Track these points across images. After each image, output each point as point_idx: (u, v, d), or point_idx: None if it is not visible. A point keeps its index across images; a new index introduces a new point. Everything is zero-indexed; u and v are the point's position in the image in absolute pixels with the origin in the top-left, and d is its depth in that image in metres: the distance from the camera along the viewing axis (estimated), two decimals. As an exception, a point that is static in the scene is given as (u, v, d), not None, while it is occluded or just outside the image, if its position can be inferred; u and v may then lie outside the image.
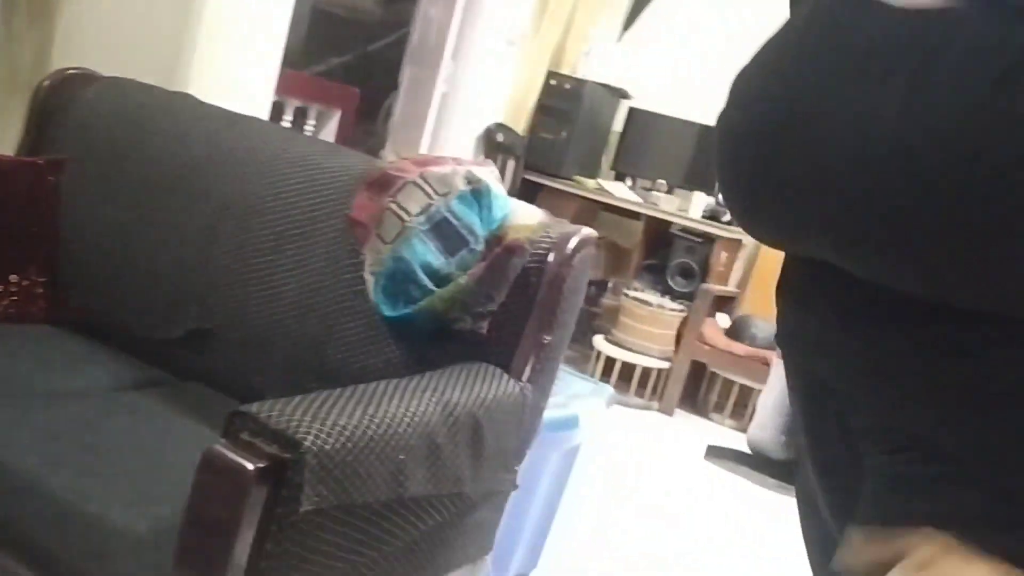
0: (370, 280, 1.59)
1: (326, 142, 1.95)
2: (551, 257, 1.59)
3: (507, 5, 4.01)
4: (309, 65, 6.95)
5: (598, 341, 4.16)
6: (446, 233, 1.58)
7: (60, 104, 2.06)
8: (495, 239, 1.59)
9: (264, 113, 2.71)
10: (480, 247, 1.58)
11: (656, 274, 4.44)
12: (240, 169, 1.83)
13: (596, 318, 4.57)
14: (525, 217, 1.63)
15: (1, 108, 2.56)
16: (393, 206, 1.61)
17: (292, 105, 4.99)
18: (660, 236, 4.41)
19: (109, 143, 1.97)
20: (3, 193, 1.91)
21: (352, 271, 1.64)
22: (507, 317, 1.57)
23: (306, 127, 5.22)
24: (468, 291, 1.53)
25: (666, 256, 4.40)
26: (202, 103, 2.07)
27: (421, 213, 1.59)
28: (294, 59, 6.71)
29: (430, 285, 1.55)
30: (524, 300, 1.57)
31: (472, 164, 1.72)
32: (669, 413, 4.07)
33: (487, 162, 1.80)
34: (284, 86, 4.52)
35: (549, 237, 1.61)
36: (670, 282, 4.32)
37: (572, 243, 1.60)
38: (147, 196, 1.89)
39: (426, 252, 1.56)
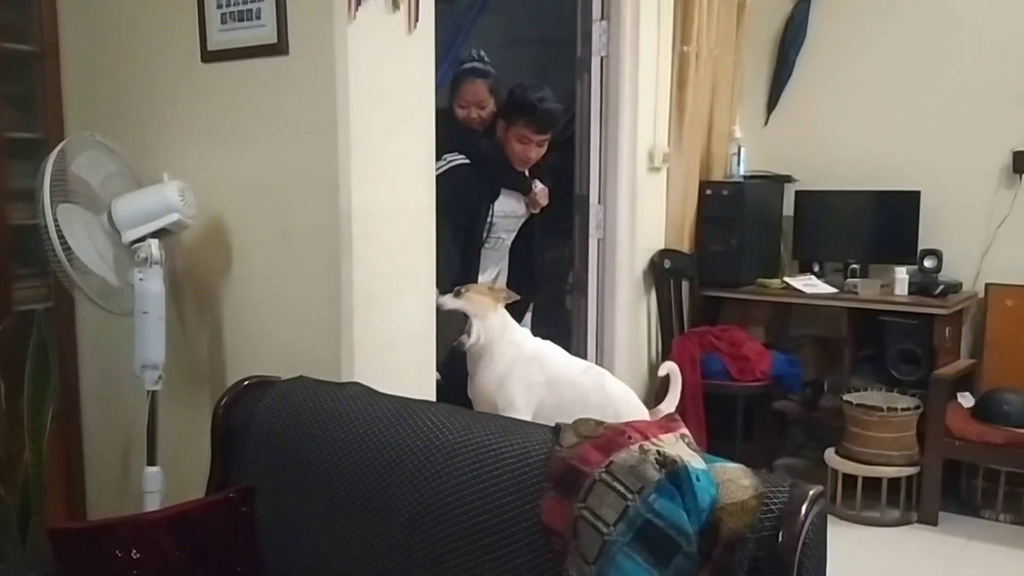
0: (582, 604, 1.43)
1: (497, 418, 1.83)
2: (781, 538, 1.37)
3: (643, 133, 3.86)
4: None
5: (830, 457, 3.79)
6: (653, 540, 1.39)
7: (240, 423, 2.07)
8: (710, 532, 1.39)
9: (431, 293, 2.68)
10: (694, 548, 1.38)
11: (875, 364, 4.02)
12: (421, 475, 1.74)
13: (817, 424, 4.20)
14: (736, 491, 1.42)
15: (191, 400, 2.66)
16: (587, 514, 1.45)
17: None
18: (869, 323, 4.01)
19: (291, 462, 1.94)
20: (204, 539, 1.91)
21: (560, 588, 1.49)
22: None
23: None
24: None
25: (881, 343, 3.99)
26: (371, 394, 2.02)
27: (620, 520, 1.41)
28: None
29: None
30: (761, 601, 1.35)
31: (659, 432, 1.53)
32: (933, 523, 3.62)
33: (675, 421, 1.61)
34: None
35: (771, 512, 1.39)
36: (893, 372, 3.90)
37: (801, 515, 1.37)
38: (337, 517, 1.83)
39: (637, 570, 1.38)
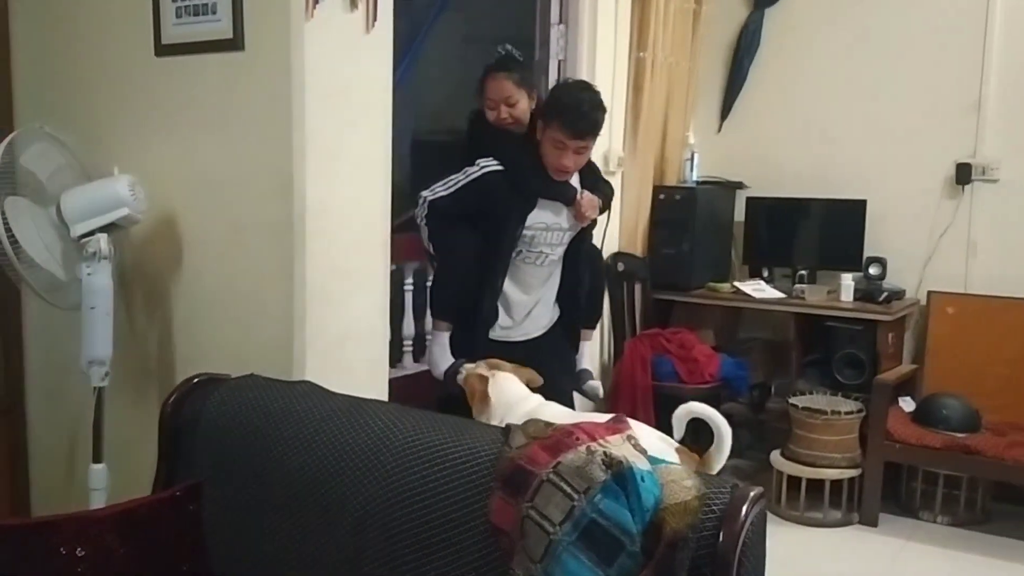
0: (527, 603, 1.45)
1: (447, 418, 1.84)
2: (721, 538, 1.40)
3: (599, 137, 3.88)
4: (418, 201, 7.08)
5: (775, 459, 3.87)
6: (598, 539, 1.42)
7: (188, 420, 2.05)
8: (653, 532, 1.42)
9: (386, 296, 2.69)
10: (638, 548, 1.41)
11: (820, 368, 4.11)
12: (371, 474, 1.75)
13: (764, 426, 4.28)
14: (679, 492, 1.45)
15: (139, 397, 2.63)
16: (533, 514, 1.47)
17: (411, 268, 5.05)
18: (815, 328, 4.10)
19: (239, 460, 1.93)
20: (150, 537, 1.90)
21: (506, 587, 1.51)
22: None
23: (428, 283, 5.25)
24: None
25: (827, 347, 4.08)
26: (322, 392, 2.02)
27: (565, 520, 1.44)
28: (405, 197, 6.87)
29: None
30: (701, 599, 1.38)
31: (606, 433, 1.56)
32: (873, 524, 3.71)
33: (622, 422, 1.65)
34: (400, 253, 4.58)
35: (712, 513, 1.43)
36: (837, 376, 3.99)
37: (741, 515, 1.41)
38: (286, 515, 1.83)
39: (581, 569, 1.40)
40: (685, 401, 3.89)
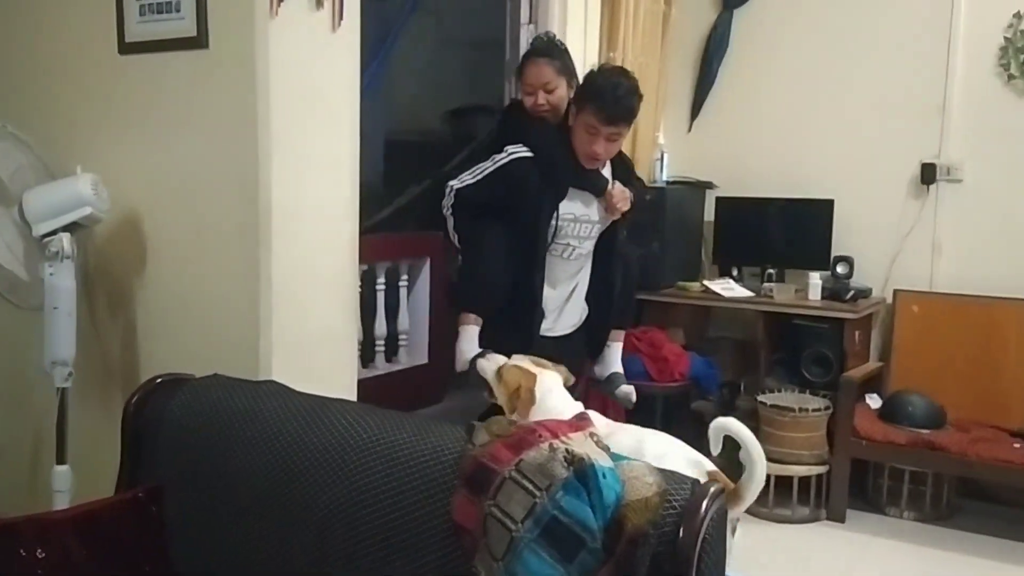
0: (490, 600, 1.45)
1: (411, 417, 1.84)
2: (681, 534, 1.41)
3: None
4: (392, 199, 7.06)
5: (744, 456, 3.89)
6: (559, 536, 1.42)
7: (151, 421, 2.03)
8: (614, 529, 1.42)
9: (354, 297, 2.66)
10: (599, 544, 1.42)
11: (789, 366, 4.15)
12: (335, 474, 1.74)
13: (735, 424, 4.30)
14: (641, 488, 1.46)
15: (102, 398, 2.60)
16: (495, 511, 1.47)
17: (383, 268, 5.04)
18: (784, 326, 4.14)
19: (202, 461, 1.92)
20: (111, 539, 1.88)
21: (469, 586, 1.51)
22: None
23: (400, 283, 5.25)
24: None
25: (795, 346, 4.11)
26: (287, 392, 2.01)
27: (527, 517, 1.44)
28: (378, 198, 6.84)
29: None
30: (661, 595, 1.39)
31: (569, 431, 1.57)
32: (840, 520, 3.75)
33: (585, 419, 1.65)
34: (371, 253, 4.56)
35: (673, 509, 1.44)
36: (805, 374, 4.03)
37: (701, 512, 1.42)
38: (249, 516, 1.82)
39: (542, 566, 1.41)
40: (656, 399, 3.93)
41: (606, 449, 1.57)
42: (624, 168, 2.84)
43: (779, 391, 3.99)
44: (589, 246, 2.78)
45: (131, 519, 1.91)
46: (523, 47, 3.83)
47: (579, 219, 2.71)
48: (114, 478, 2.06)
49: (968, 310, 3.94)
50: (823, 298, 3.96)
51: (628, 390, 2.96)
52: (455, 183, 2.70)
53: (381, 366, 5.22)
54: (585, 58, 3.96)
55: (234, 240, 2.34)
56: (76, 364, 2.38)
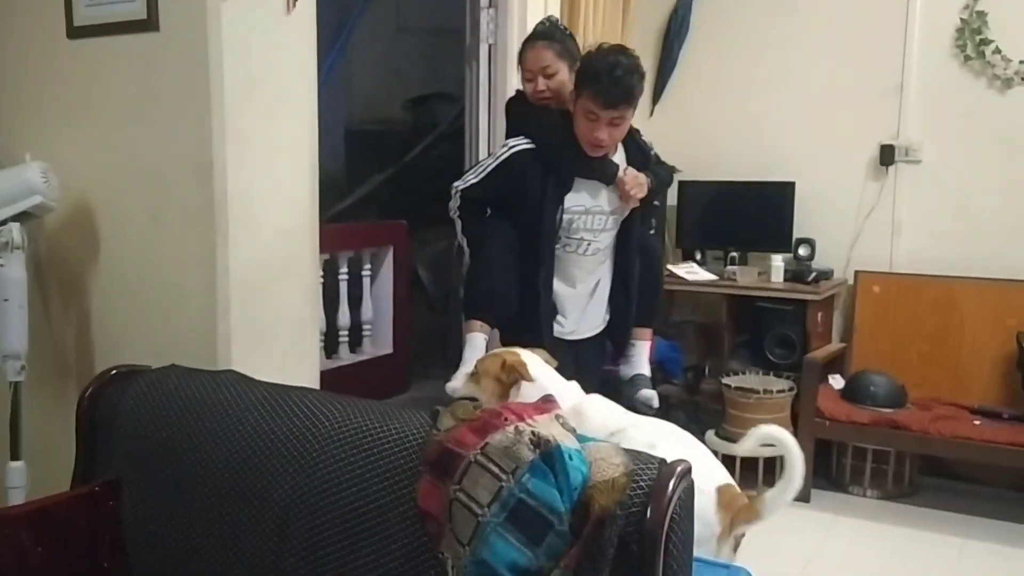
0: (456, 586, 1.43)
1: (375, 404, 1.80)
2: (649, 515, 1.40)
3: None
4: (354, 189, 6.99)
5: (710, 439, 3.91)
6: (526, 519, 1.40)
7: (106, 414, 1.99)
8: (581, 510, 1.41)
9: (316, 285, 2.62)
10: (566, 526, 1.40)
11: (752, 348, 4.17)
12: (296, 462, 1.71)
13: (698, 407, 4.32)
14: (607, 469, 1.44)
15: (57, 392, 2.54)
16: (461, 496, 1.45)
17: (345, 257, 4.99)
18: (747, 309, 4.16)
19: (160, 453, 1.88)
20: (67, 535, 1.83)
21: (435, 572, 1.49)
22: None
23: (363, 272, 5.20)
24: (567, 584, 1.35)
25: (758, 328, 4.14)
26: (246, 381, 1.97)
27: (493, 501, 1.42)
28: (340, 188, 6.77)
29: (523, 587, 1.38)
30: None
31: (535, 414, 1.55)
32: (805, 499, 3.78)
33: (551, 402, 1.63)
34: (333, 243, 4.51)
35: (640, 489, 1.43)
36: (769, 355, 4.06)
37: (668, 491, 1.41)
38: (208, 508, 1.78)
39: (508, 550, 1.39)
40: (622, 384, 3.91)
41: (572, 431, 1.56)
42: (640, 152, 2.65)
43: (743, 373, 4.02)
44: (607, 239, 2.62)
45: (88, 514, 1.86)
46: (483, 32, 3.80)
47: (590, 211, 2.55)
48: (70, 473, 2.01)
49: (928, 290, 3.99)
50: (785, 280, 3.99)
51: (650, 395, 2.75)
52: (459, 184, 2.60)
53: (345, 356, 5.17)
54: (546, 42, 3.94)
55: (190, 226, 2.28)
56: (29, 357, 2.32)
